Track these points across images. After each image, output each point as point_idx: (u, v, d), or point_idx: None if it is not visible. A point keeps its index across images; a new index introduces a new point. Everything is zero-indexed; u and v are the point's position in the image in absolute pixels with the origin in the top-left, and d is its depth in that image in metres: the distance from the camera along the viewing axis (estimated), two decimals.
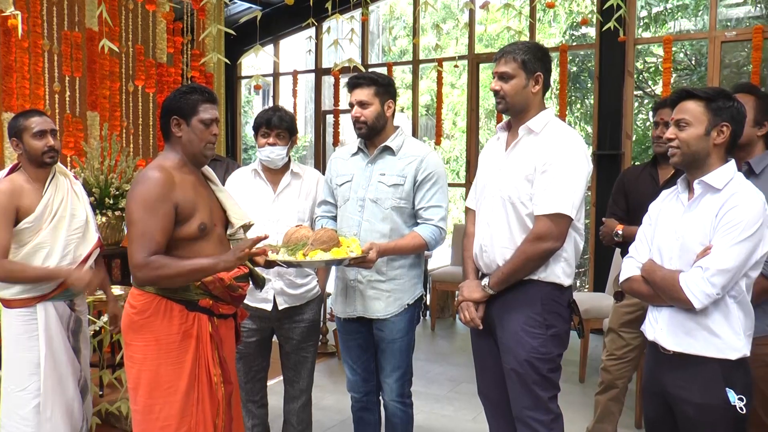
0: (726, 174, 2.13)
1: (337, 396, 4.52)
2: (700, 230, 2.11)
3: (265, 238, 2.36)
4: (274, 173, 3.16)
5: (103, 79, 5.18)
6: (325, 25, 7.46)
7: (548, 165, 2.43)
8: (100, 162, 4.24)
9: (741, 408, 2.08)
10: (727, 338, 2.08)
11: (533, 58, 2.51)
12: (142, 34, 5.80)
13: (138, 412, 2.35)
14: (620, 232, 3.22)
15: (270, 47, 8.12)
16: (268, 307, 3.09)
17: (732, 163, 2.17)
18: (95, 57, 5.11)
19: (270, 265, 2.61)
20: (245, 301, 3.05)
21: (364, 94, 2.85)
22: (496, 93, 2.56)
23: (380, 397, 3.08)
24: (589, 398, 4.07)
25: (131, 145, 5.72)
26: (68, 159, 4.81)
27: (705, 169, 2.15)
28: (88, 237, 3.05)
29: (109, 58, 5.18)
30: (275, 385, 3.88)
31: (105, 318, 3.67)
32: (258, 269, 2.59)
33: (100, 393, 4.05)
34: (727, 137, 2.13)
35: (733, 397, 2.08)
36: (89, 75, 5.17)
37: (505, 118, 2.69)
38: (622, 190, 3.40)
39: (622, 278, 2.34)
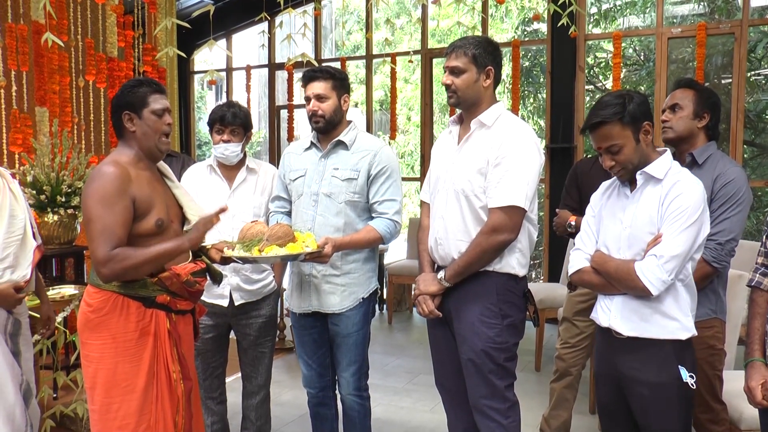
0: (664, 164, 2.22)
1: (295, 391, 4.52)
2: (647, 219, 2.19)
3: (225, 209, 2.40)
4: (230, 169, 3.14)
5: (52, 74, 5.05)
6: (277, 20, 7.40)
7: (501, 158, 2.47)
8: (51, 159, 4.14)
9: (692, 384, 2.18)
10: (678, 320, 2.18)
11: (484, 53, 2.54)
12: (91, 27, 5.66)
13: (95, 412, 2.32)
14: (573, 223, 3.29)
15: (222, 42, 8.03)
16: (224, 303, 3.07)
17: (668, 152, 2.27)
18: (42, 51, 4.97)
19: (225, 261, 2.60)
20: (202, 297, 3.04)
21: (321, 87, 2.85)
22: (447, 87, 2.59)
23: (337, 392, 3.10)
24: (544, 386, 4.15)
25: (83, 142, 5.59)
26: (16, 156, 4.69)
27: (646, 164, 2.24)
28: (27, 241, 2.93)
29: (58, 52, 5.04)
30: (233, 381, 3.87)
31: (59, 318, 3.59)
32: (214, 265, 2.58)
33: (54, 395, 3.96)
34: (652, 133, 2.24)
35: (684, 374, 2.18)
36: (37, 69, 5.03)
37: (458, 111, 2.73)
38: (574, 181, 3.47)
39: (571, 270, 2.40)
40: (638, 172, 2.23)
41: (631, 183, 2.28)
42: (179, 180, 2.70)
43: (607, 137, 2.20)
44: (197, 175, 3.18)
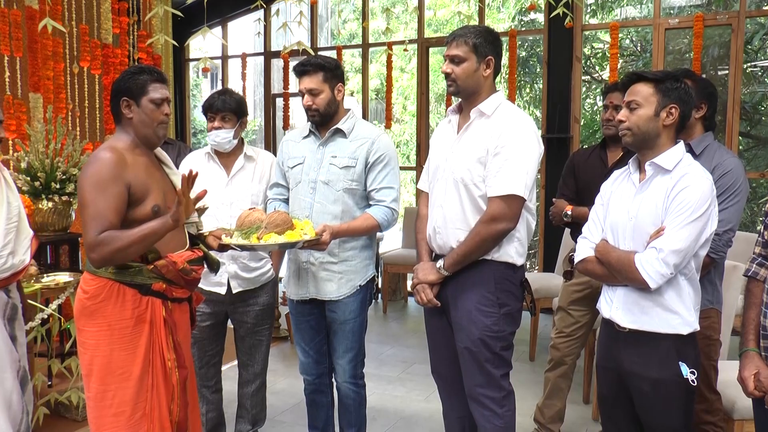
0: (675, 155, 2.20)
1: (290, 380, 4.53)
2: (652, 211, 2.17)
3: (204, 194, 2.29)
4: (228, 156, 3.14)
5: (46, 60, 5.01)
6: (273, 8, 7.39)
7: (500, 147, 2.47)
8: (45, 145, 4.11)
9: (693, 381, 2.17)
10: (680, 314, 2.17)
11: (484, 42, 2.53)
12: (86, 13, 5.61)
13: (91, 399, 2.32)
14: (569, 212, 3.29)
15: (218, 29, 7.99)
16: (222, 290, 3.07)
17: (681, 144, 2.24)
18: (36, 36, 4.93)
19: (223, 248, 2.60)
20: (200, 285, 3.03)
21: (313, 81, 2.83)
22: (447, 76, 2.58)
23: (333, 380, 3.10)
24: (539, 376, 4.16)
25: (77, 128, 5.56)
26: (10, 142, 4.66)
27: (656, 150, 2.21)
28: (22, 227, 2.93)
29: (52, 38, 5.01)
30: (228, 369, 3.87)
31: (53, 305, 3.58)
32: (212, 252, 2.57)
33: (49, 383, 3.96)
34: (676, 119, 2.20)
35: (685, 370, 2.17)
36: (30, 55, 4.99)
37: (455, 100, 2.72)
38: (571, 171, 3.47)
39: (577, 259, 2.39)
40: (647, 162, 2.22)
41: (641, 173, 2.27)
42: (176, 167, 2.69)
43: (635, 92, 2.22)
44: (195, 163, 3.17)
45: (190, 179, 2.22)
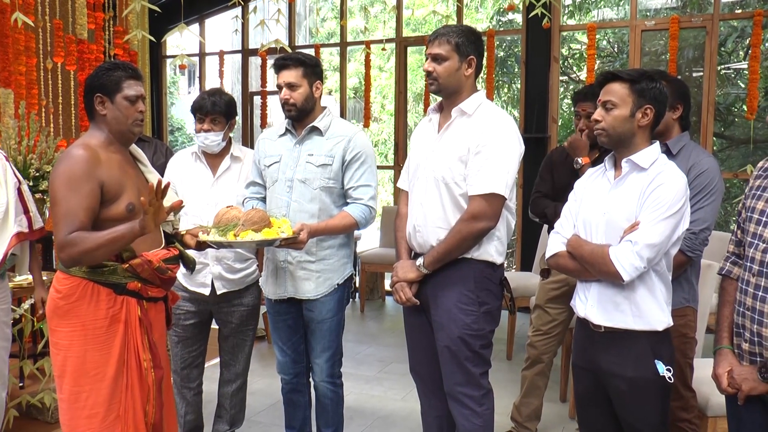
0: (651, 154, 2.22)
1: (267, 380, 4.50)
2: (626, 207, 2.19)
3: (179, 204, 2.25)
4: (214, 157, 3.11)
5: (18, 55, 4.93)
6: (251, 5, 7.34)
7: (482, 146, 2.47)
8: (18, 142, 4.04)
9: (669, 378, 2.19)
10: (653, 311, 2.19)
11: (467, 42, 2.54)
12: (60, 8, 5.54)
13: (64, 401, 2.28)
14: (582, 162, 3.14)
15: (195, 26, 7.92)
16: (206, 291, 3.05)
17: (657, 144, 2.26)
18: (7, 31, 4.85)
19: (201, 246, 2.57)
20: (184, 284, 3.01)
21: (292, 75, 2.82)
22: (429, 74, 2.58)
23: (310, 379, 3.09)
24: (516, 375, 4.17)
25: (51, 125, 5.47)
26: None
27: (632, 149, 2.23)
28: (7, 225, 2.88)
29: (24, 33, 4.93)
30: (208, 369, 3.82)
31: (25, 305, 3.52)
32: (189, 251, 2.54)
33: (21, 384, 3.89)
34: (651, 119, 2.22)
35: (661, 368, 2.18)
36: (1, 50, 4.92)
37: (433, 100, 2.72)
38: (549, 168, 3.50)
39: (548, 254, 2.40)
40: (624, 160, 2.23)
41: (617, 170, 2.28)
42: (153, 165, 2.65)
43: (610, 92, 2.22)
44: (182, 163, 3.15)
45: (158, 190, 2.15)
